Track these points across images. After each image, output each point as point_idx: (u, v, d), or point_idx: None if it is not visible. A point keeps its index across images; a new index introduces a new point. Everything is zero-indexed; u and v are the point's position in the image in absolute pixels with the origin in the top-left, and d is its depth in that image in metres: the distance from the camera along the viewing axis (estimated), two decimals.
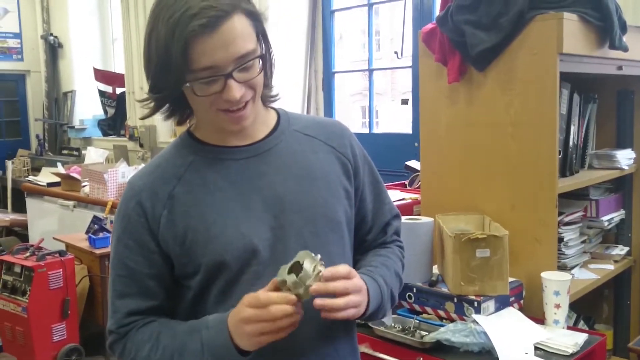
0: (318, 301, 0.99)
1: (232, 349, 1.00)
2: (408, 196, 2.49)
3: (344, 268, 1.03)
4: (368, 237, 1.26)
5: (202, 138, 1.13)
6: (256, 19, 1.03)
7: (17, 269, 3.35)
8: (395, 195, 2.43)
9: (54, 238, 3.97)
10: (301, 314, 0.99)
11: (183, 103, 1.08)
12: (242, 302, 0.99)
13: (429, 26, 2.02)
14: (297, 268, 1.00)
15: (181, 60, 0.97)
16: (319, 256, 1.01)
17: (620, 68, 2.07)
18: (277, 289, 0.99)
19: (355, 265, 1.22)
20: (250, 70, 1.02)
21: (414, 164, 2.96)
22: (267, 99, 1.16)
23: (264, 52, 1.05)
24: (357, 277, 1.05)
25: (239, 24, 0.99)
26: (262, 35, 1.06)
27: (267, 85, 1.13)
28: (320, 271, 0.99)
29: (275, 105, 1.21)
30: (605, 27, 1.85)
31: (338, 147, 1.19)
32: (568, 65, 1.80)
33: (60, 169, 4.97)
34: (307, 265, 0.98)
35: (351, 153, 1.20)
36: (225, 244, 1.05)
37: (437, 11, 3.45)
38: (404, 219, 1.87)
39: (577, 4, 1.78)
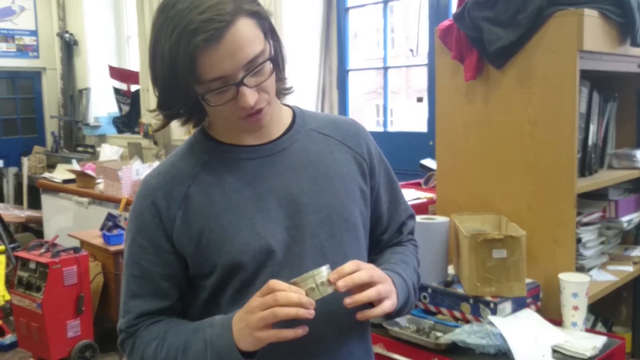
0: (348, 300, 0.97)
1: (235, 350, 0.97)
2: (423, 195, 2.47)
3: (350, 264, 0.99)
4: (383, 237, 1.25)
5: (217, 137, 1.12)
6: (261, 18, 1.00)
7: (32, 265, 3.38)
8: (410, 195, 2.41)
9: (68, 235, 4.00)
10: (310, 313, 0.95)
11: (198, 108, 1.06)
12: (255, 294, 0.98)
13: (446, 23, 1.99)
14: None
15: (188, 75, 0.95)
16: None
17: None
18: None
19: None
20: (262, 73, 1.00)
21: (429, 162, 2.93)
22: (280, 92, 1.14)
23: (273, 53, 1.03)
24: (375, 268, 1.03)
25: (244, 29, 0.96)
26: (270, 32, 1.03)
27: (280, 78, 1.11)
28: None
29: (290, 102, 1.19)
30: (627, 24, 1.82)
31: (354, 146, 1.17)
32: (588, 63, 1.77)
33: (75, 166, 5.00)
34: (323, 268, 0.97)
35: (367, 153, 1.19)
36: (241, 245, 1.04)
37: (452, 8, 3.43)
38: (419, 218, 1.86)
39: (597, 0, 1.75)
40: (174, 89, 0.98)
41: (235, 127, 1.07)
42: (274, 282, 0.95)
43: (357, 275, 0.97)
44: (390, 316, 1.11)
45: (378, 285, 1.00)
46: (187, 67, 0.94)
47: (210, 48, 0.94)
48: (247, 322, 0.96)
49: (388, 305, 1.01)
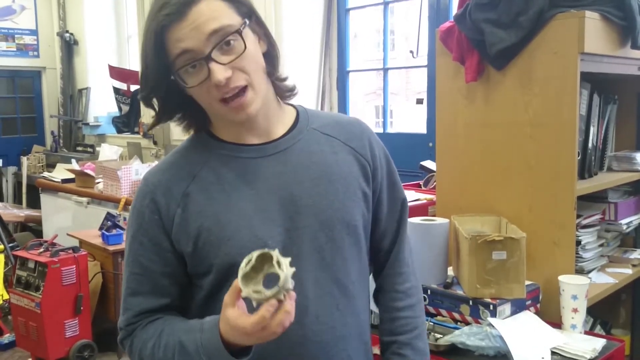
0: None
1: (228, 355, 0.95)
2: (423, 197, 2.47)
3: None
4: (382, 245, 1.22)
5: (218, 135, 1.11)
6: (236, 1, 1.01)
7: (31, 265, 3.38)
8: (410, 196, 2.41)
9: (67, 234, 4.00)
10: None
11: (193, 108, 1.06)
12: (234, 329, 0.92)
13: (447, 24, 1.99)
14: (260, 264, 0.91)
15: (158, 53, 0.98)
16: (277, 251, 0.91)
17: None
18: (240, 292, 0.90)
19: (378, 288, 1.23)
20: (233, 50, 0.99)
21: (429, 164, 2.94)
22: (282, 93, 1.13)
23: (241, 28, 1.00)
24: None
25: (211, 6, 0.98)
26: (255, 23, 1.04)
27: (272, 73, 1.09)
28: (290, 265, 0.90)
29: (292, 102, 1.19)
30: (628, 27, 1.82)
31: (357, 148, 1.16)
32: (589, 65, 1.77)
33: (75, 165, 5.00)
34: (284, 269, 0.88)
35: (370, 154, 1.17)
36: (238, 247, 1.03)
37: (453, 10, 3.43)
38: (419, 219, 1.86)
39: (598, 2, 1.75)
40: (148, 69, 1.00)
41: (222, 115, 1.05)
42: (257, 319, 0.89)
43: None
44: None
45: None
46: (156, 44, 0.98)
47: (174, 23, 0.97)
48: (250, 340, 0.93)
49: None
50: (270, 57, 1.08)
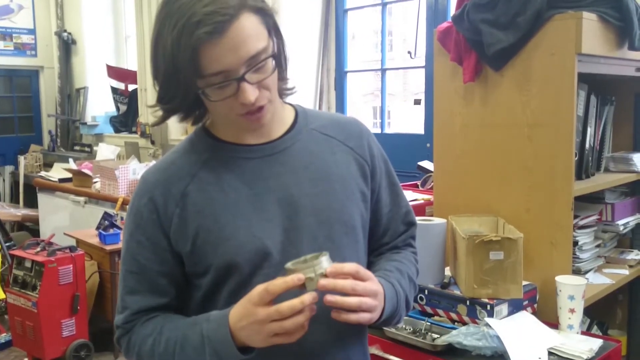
0: (329, 297, 0.95)
1: (233, 346, 0.97)
2: (420, 197, 2.47)
3: (350, 266, 0.98)
4: (382, 241, 1.23)
5: (218, 134, 1.11)
6: (266, 14, 1.00)
7: (28, 264, 3.37)
8: (408, 196, 2.40)
9: (64, 234, 3.99)
10: (314, 309, 0.95)
11: (197, 104, 1.05)
12: (250, 301, 0.96)
13: (445, 25, 2.00)
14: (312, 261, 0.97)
15: (190, 69, 0.94)
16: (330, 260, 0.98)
17: (639, 70, 2.04)
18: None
19: (368, 268, 1.20)
20: (264, 70, 0.99)
21: (426, 164, 2.94)
22: (283, 92, 1.13)
23: (276, 51, 1.01)
24: (371, 281, 1.01)
25: (247, 24, 0.95)
26: (274, 30, 1.03)
27: (283, 78, 1.10)
28: None
29: (290, 101, 1.19)
30: (625, 28, 1.82)
31: (356, 148, 1.16)
32: (586, 66, 1.78)
33: (72, 164, 4.99)
34: (324, 259, 0.96)
35: (369, 154, 1.17)
36: (237, 247, 1.03)
37: (451, 11, 3.44)
38: (416, 219, 1.86)
39: (596, 3, 1.76)
40: (175, 82, 0.97)
41: (235, 125, 1.06)
42: (272, 287, 0.93)
43: (341, 283, 0.96)
44: (374, 324, 1.08)
45: (364, 297, 0.98)
46: (189, 60, 0.94)
47: (212, 41, 0.93)
48: (257, 331, 0.95)
49: (365, 318, 0.99)
50: (280, 63, 1.07)
